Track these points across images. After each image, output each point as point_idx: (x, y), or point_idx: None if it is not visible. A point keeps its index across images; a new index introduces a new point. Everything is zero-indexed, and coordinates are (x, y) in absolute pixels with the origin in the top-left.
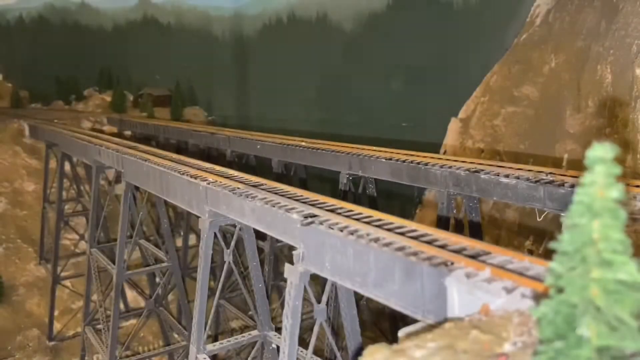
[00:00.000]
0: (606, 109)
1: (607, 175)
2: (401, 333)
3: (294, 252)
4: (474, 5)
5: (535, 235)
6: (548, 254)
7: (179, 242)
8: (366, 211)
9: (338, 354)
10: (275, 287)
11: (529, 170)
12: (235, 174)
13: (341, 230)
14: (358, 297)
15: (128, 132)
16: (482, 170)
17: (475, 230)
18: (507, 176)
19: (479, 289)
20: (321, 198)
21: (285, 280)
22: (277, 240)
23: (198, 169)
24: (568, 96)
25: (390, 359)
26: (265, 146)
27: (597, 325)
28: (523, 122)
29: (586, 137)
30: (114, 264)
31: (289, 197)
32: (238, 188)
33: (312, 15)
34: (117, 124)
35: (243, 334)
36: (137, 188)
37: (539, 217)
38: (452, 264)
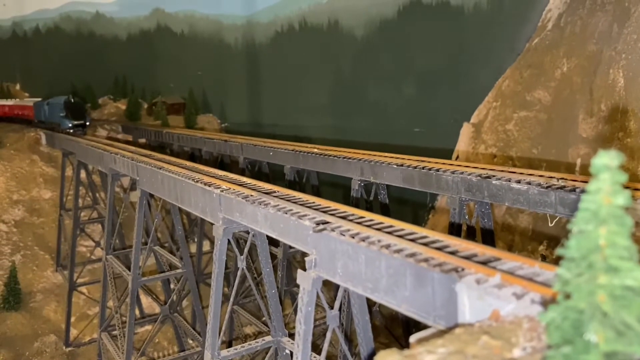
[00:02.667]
0: (619, 113)
1: (612, 182)
2: (412, 339)
3: (306, 259)
4: (485, 10)
5: (549, 241)
6: (561, 260)
7: (193, 249)
8: (377, 218)
9: None
10: (289, 293)
11: (540, 176)
12: (248, 181)
13: (353, 237)
14: (371, 303)
15: (143, 140)
16: (494, 175)
17: (488, 236)
18: (518, 182)
19: (489, 295)
20: (333, 205)
21: (298, 286)
22: (290, 247)
23: (212, 176)
24: (580, 100)
25: None
26: (277, 153)
27: (604, 330)
28: (535, 127)
29: (599, 141)
30: (129, 270)
31: (301, 204)
32: (251, 195)
33: (324, 22)
34: (132, 132)
35: (257, 340)
36: (151, 195)
37: (551, 223)
38: (463, 270)
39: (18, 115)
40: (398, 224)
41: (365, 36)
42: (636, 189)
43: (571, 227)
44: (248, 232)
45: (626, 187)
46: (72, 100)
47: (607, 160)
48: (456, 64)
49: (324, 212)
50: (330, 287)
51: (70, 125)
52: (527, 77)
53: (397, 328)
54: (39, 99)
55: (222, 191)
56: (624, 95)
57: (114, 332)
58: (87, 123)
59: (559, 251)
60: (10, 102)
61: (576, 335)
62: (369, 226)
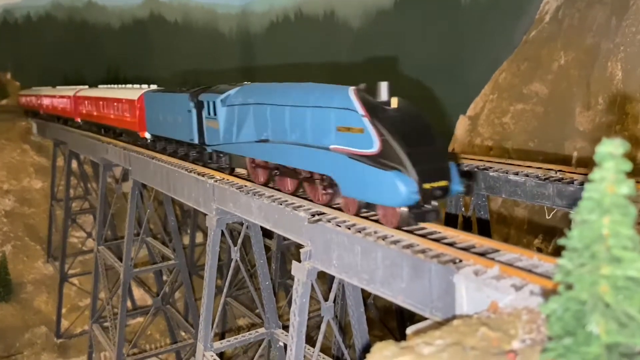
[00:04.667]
0: (616, 106)
1: (616, 171)
2: (409, 330)
3: (301, 250)
4: (483, 2)
5: (545, 234)
6: (557, 252)
7: (186, 240)
8: None
9: (345, 352)
10: (283, 284)
11: (538, 168)
12: (243, 172)
13: (348, 228)
14: (366, 295)
15: None
16: (491, 167)
17: (484, 228)
18: (516, 173)
19: (487, 286)
20: None
21: (292, 278)
22: (285, 238)
23: (205, 166)
24: (578, 93)
25: (397, 356)
26: None
27: (606, 322)
28: (532, 120)
29: (596, 134)
30: (121, 261)
31: (296, 195)
32: (245, 185)
33: (320, 12)
34: None
35: (250, 332)
36: (144, 186)
37: (548, 215)
38: (461, 261)
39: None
40: None
41: (361, 27)
42: (638, 182)
43: (574, 217)
44: (242, 223)
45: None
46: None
47: (611, 149)
48: (453, 56)
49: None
50: (325, 279)
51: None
52: (524, 69)
53: (391, 320)
54: (157, 88)
55: (215, 181)
56: (621, 88)
57: (106, 324)
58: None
59: (560, 241)
60: (106, 92)
61: (578, 327)
62: (365, 217)
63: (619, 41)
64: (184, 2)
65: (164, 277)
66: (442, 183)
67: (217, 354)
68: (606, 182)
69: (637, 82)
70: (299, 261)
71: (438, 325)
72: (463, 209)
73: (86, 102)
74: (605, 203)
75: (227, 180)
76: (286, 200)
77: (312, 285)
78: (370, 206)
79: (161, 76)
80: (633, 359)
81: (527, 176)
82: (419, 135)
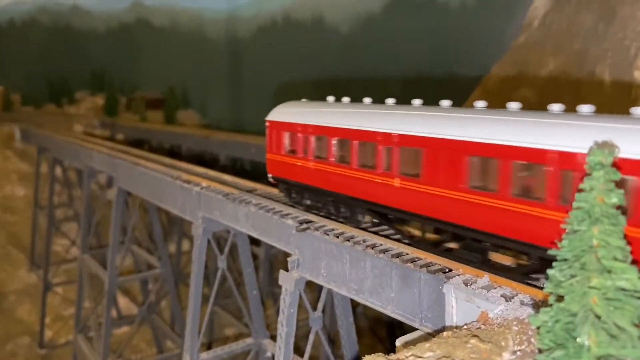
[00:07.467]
0: (605, 111)
1: (606, 181)
2: (399, 342)
3: (289, 259)
4: (471, 7)
5: None
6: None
7: (173, 247)
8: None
9: None
10: (271, 293)
11: None
12: (229, 179)
13: (337, 237)
14: (355, 304)
15: (121, 136)
16: None
17: None
18: None
19: (477, 297)
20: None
21: (280, 287)
22: (272, 246)
23: (191, 173)
24: (567, 99)
25: None
26: (260, 150)
27: (597, 333)
28: None
29: None
30: (106, 270)
31: (283, 203)
32: (232, 193)
33: (308, 17)
34: (110, 127)
35: (237, 342)
36: (129, 192)
37: None
38: (450, 270)
39: None
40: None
41: (350, 32)
42: None
43: (564, 227)
44: (229, 231)
45: None
46: None
47: (600, 158)
48: (442, 61)
49: (307, 210)
50: (313, 287)
51: None
52: (513, 75)
53: (381, 329)
54: None
55: (201, 189)
56: (610, 93)
57: (90, 334)
58: None
59: (550, 252)
60: None
61: (568, 339)
62: (355, 226)
63: (607, 47)
64: (170, 6)
65: (150, 286)
66: None
67: None
68: (596, 192)
69: (624, 87)
70: (287, 270)
71: (428, 336)
72: None
73: None
74: (595, 213)
75: (214, 187)
76: (273, 208)
77: (300, 295)
78: None
79: (147, 81)
80: None
81: None
82: None
